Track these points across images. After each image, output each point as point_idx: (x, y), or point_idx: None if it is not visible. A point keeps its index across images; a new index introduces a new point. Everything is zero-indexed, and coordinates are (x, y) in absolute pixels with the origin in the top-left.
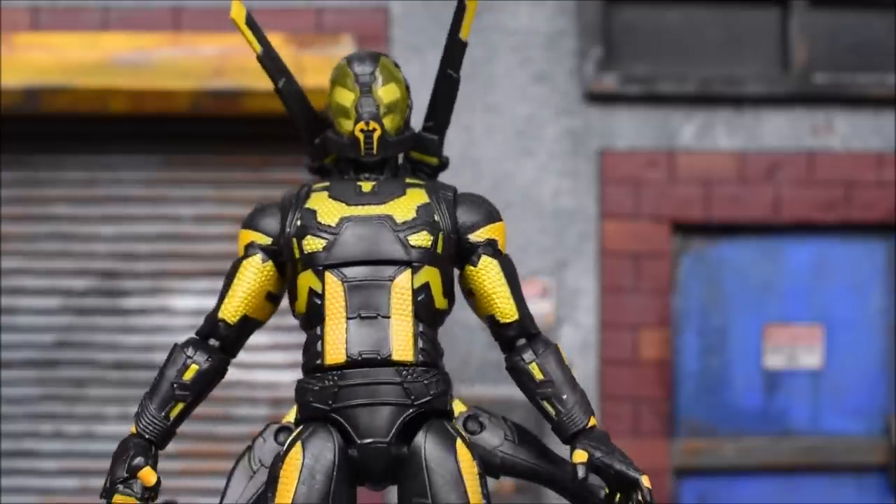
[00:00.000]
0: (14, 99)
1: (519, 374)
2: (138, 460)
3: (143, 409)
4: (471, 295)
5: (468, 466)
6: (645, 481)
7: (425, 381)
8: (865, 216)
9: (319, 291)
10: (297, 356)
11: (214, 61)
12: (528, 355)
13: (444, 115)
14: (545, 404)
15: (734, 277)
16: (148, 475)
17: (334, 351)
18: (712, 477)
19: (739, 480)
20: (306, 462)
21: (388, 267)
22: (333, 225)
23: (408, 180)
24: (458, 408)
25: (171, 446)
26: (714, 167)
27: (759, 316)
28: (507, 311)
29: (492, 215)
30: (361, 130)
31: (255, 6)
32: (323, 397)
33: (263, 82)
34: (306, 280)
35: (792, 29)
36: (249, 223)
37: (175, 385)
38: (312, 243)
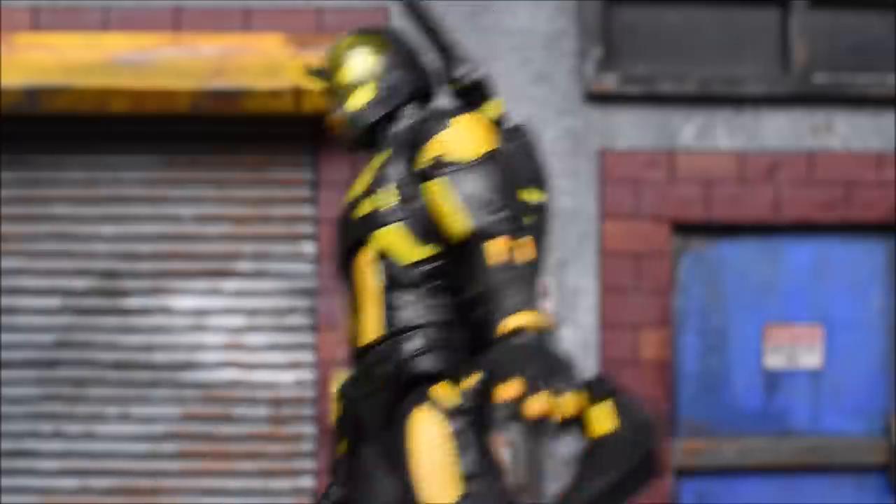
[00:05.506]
0: (14, 99)
1: None
2: None
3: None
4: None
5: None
6: (506, 389)
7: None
8: (865, 216)
9: None
10: (298, 356)
11: (214, 61)
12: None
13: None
14: None
15: (734, 277)
16: None
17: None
18: (712, 477)
19: (739, 480)
20: None
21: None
22: None
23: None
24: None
25: (171, 446)
26: (714, 167)
27: (759, 316)
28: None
29: (432, 130)
30: None
31: (255, 6)
32: None
33: (263, 82)
34: None
35: (792, 29)
36: None
37: None
38: None
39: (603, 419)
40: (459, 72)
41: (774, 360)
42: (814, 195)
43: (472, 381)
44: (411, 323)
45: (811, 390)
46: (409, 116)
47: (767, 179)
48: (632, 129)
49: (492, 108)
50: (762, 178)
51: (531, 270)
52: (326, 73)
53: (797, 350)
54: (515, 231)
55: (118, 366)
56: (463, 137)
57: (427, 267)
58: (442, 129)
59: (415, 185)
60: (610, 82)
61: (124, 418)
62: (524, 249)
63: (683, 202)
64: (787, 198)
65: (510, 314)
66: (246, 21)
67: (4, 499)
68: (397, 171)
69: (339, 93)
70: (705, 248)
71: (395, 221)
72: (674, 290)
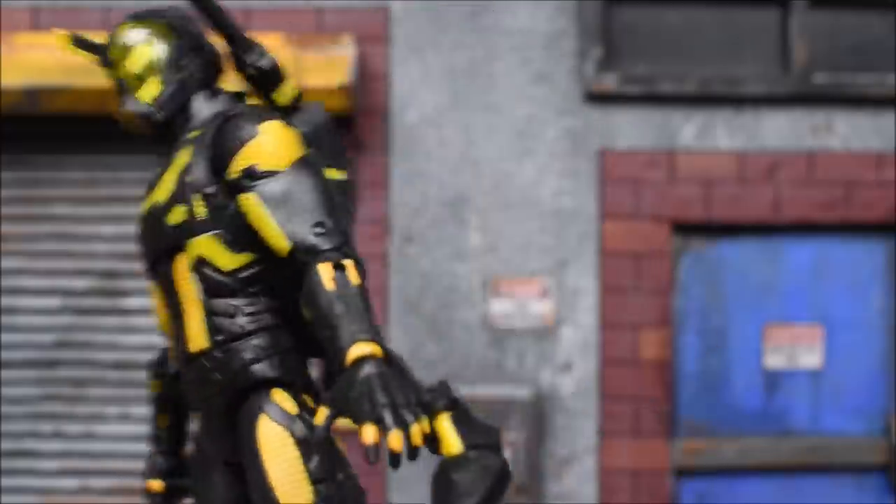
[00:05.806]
0: (14, 99)
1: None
2: None
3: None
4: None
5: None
6: (367, 434)
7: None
8: (865, 216)
9: None
10: None
11: None
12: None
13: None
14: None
15: (734, 277)
16: None
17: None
18: (712, 477)
19: (739, 480)
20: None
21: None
22: None
23: (189, 136)
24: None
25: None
26: (714, 167)
27: (759, 316)
28: (279, 245)
29: (241, 138)
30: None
31: (255, 6)
32: None
33: None
34: None
35: (792, 29)
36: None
37: None
38: None
39: (448, 437)
40: (250, 58)
41: (774, 360)
42: (814, 195)
43: (321, 417)
44: (240, 330)
45: (811, 390)
46: (203, 106)
47: (767, 179)
48: (632, 129)
49: (285, 93)
50: (762, 178)
51: (363, 292)
52: (107, 59)
53: (797, 350)
54: (340, 246)
55: (118, 366)
56: (274, 145)
57: (247, 273)
58: (252, 137)
59: (225, 193)
60: (610, 82)
61: (124, 418)
62: (353, 270)
63: (683, 202)
64: (787, 198)
65: (352, 344)
66: (246, 21)
67: (4, 499)
68: (204, 175)
69: (125, 84)
70: (705, 248)
71: (208, 231)
72: (674, 290)
